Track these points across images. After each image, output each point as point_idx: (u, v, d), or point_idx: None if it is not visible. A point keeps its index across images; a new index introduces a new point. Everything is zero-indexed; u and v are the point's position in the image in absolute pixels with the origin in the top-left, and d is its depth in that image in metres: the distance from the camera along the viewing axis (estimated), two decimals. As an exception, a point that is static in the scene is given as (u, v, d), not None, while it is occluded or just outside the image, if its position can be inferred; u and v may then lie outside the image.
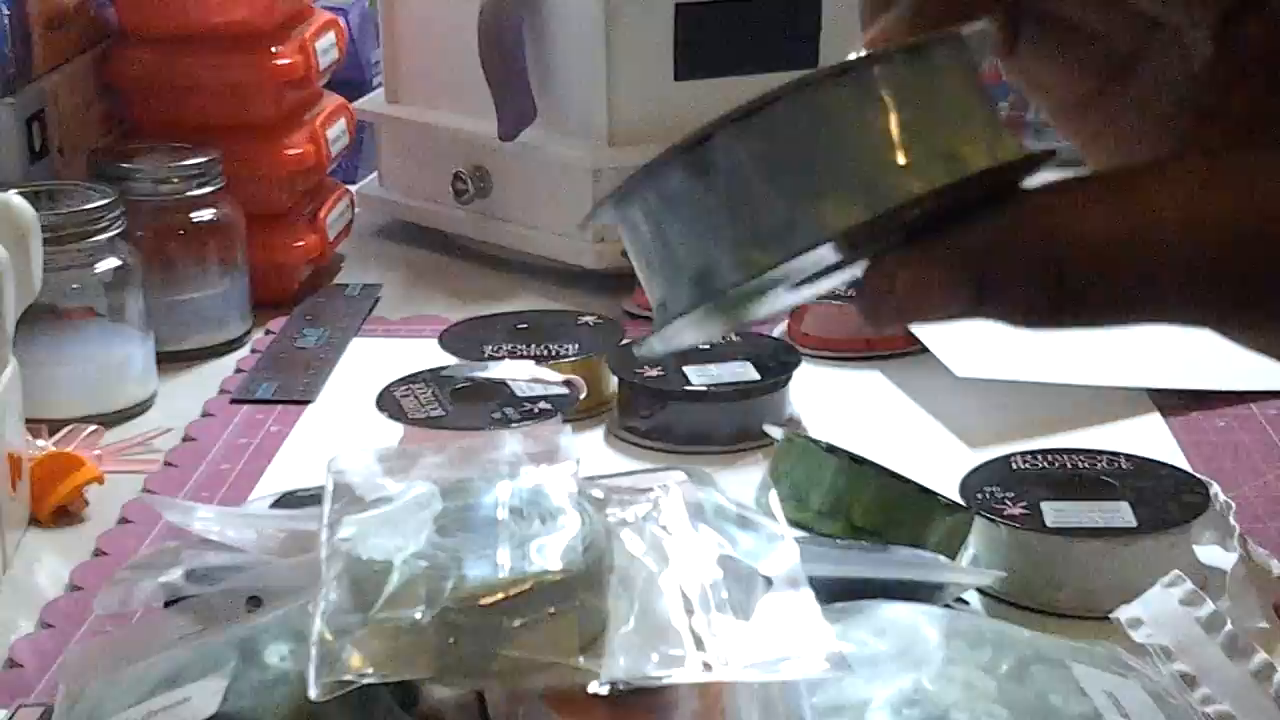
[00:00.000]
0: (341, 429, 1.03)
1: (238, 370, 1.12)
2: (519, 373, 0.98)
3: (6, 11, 1.10)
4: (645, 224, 0.43)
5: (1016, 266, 0.42)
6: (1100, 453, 0.88)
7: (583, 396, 0.97)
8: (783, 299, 0.47)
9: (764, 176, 0.41)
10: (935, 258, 0.42)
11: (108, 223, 1.04)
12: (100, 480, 0.94)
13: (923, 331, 1.07)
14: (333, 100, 1.30)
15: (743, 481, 0.84)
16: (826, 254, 0.42)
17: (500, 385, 0.97)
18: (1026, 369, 1.03)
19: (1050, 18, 0.47)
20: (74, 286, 1.04)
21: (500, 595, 0.60)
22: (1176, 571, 0.72)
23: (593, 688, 0.59)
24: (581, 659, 0.60)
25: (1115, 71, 0.47)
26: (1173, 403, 1.03)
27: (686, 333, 0.44)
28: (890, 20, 0.45)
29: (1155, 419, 1.02)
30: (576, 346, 1.04)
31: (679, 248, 0.42)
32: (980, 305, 0.43)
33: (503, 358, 1.03)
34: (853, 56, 0.42)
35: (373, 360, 1.12)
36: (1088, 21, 0.47)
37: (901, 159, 0.41)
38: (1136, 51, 0.47)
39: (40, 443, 0.96)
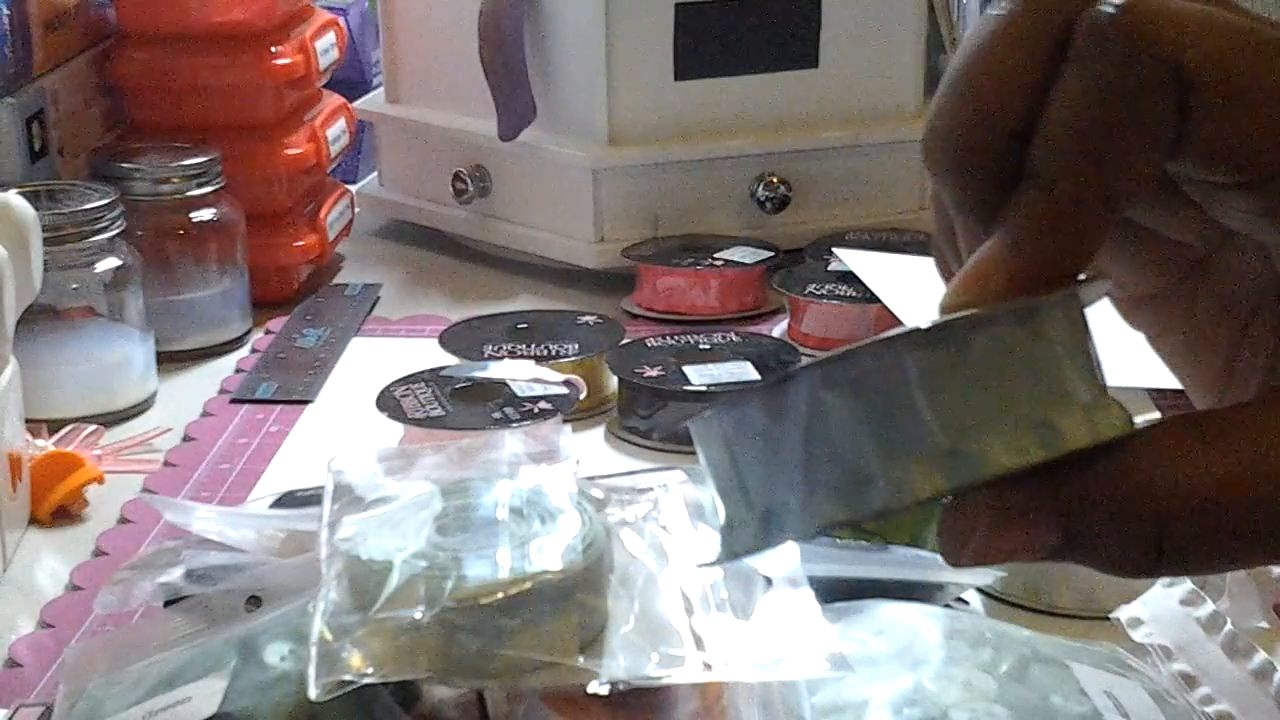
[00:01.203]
0: (341, 429, 1.03)
1: (238, 370, 1.12)
2: (519, 373, 0.98)
3: (6, 11, 1.10)
4: (721, 450, 0.41)
5: (1112, 522, 0.39)
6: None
7: (583, 396, 0.97)
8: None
9: (843, 430, 0.39)
10: (1022, 507, 0.40)
11: (108, 223, 1.04)
12: (100, 480, 0.94)
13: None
14: (333, 100, 1.30)
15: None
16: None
17: (500, 385, 0.97)
18: None
19: (1123, 221, 0.43)
20: (74, 286, 1.04)
21: (500, 595, 0.60)
22: (1176, 571, 0.72)
23: (593, 688, 0.59)
24: (581, 659, 0.60)
25: (1189, 270, 0.45)
26: (1173, 403, 1.03)
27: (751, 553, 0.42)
28: (988, 259, 0.41)
29: (1154, 416, 1.02)
30: (576, 346, 1.04)
31: (750, 483, 0.41)
32: (1069, 553, 0.40)
33: (503, 358, 1.03)
34: (955, 316, 0.39)
35: (373, 360, 1.12)
36: (1164, 226, 0.45)
37: (993, 430, 0.39)
38: (1212, 253, 0.45)
39: (40, 443, 0.96)
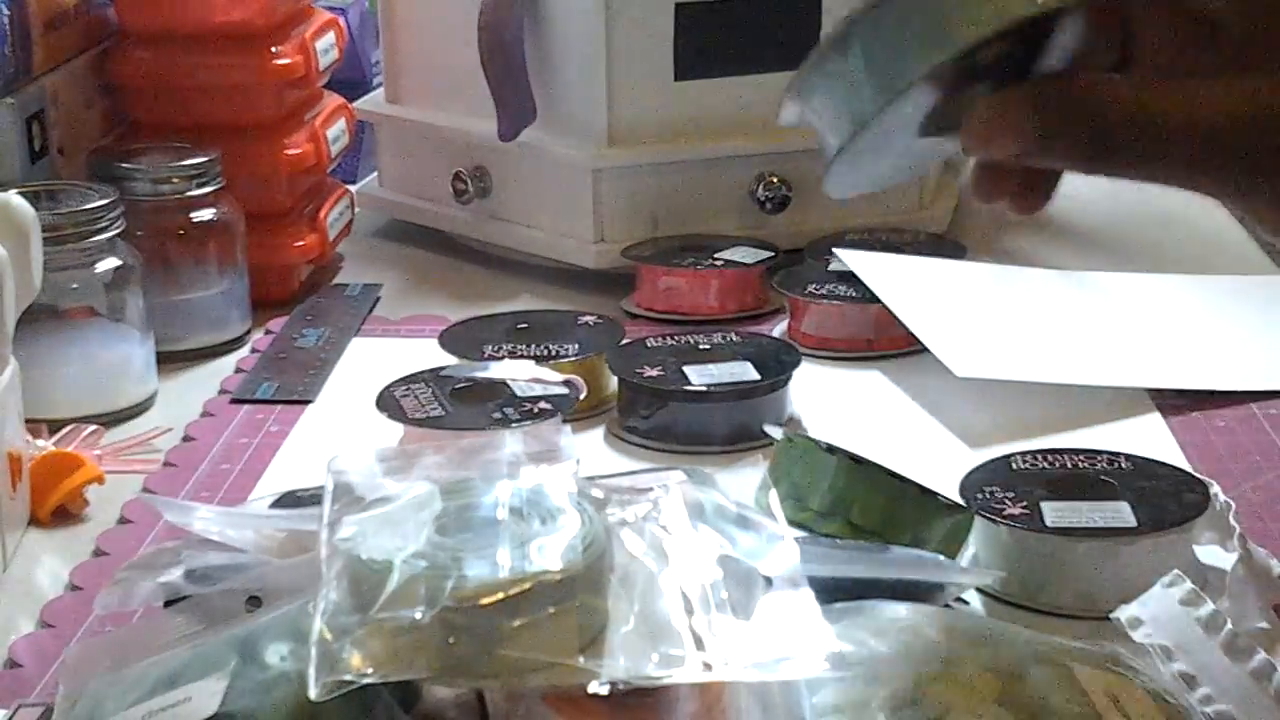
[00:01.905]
0: (341, 429, 1.03)
1: (238, 370, 1.12)
2: (519, 373, 0.98)
3: (6, 11, 1.10)
4: (820, 90, 0.63)
5: (1068, 113, 0.61)
6: (1100, 453, 0.88)
7: (583, 396, 0.97)
8: (912, 147, 0.66)
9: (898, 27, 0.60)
10: (1011, 97, 0.61)
11: (108, 223, 1.04)
12: (100, 480, 0.94)
13: (922, 331, 1.07)
14: (333, 100, 1.30)
15: (743, 481, 0.84)
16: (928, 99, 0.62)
17: (500, 385, 0.97)
18: (1026, 369, 1.03)
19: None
20: (74, 286, 1.04)
21: (500, 595, 0.60)
22: (1176, 571, 0.72)
23: (593, 688, 0.59)
24: (581, 659, 0.60)
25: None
26: (1173, 403, 1.03)
27: (850, 174, 0.65)
28: None
29: (1155, 419, 1.02)
30: (576, 346, 1.04)
31: (842, 98, 0.62)
32: (1039, 142, 0.61)
33: (503, 358, 1.03)
34: None
35: (373, 360, 1.12)
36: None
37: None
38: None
39: (40, 443, 0.96)
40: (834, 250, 1.18)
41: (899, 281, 1.12)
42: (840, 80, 0.61)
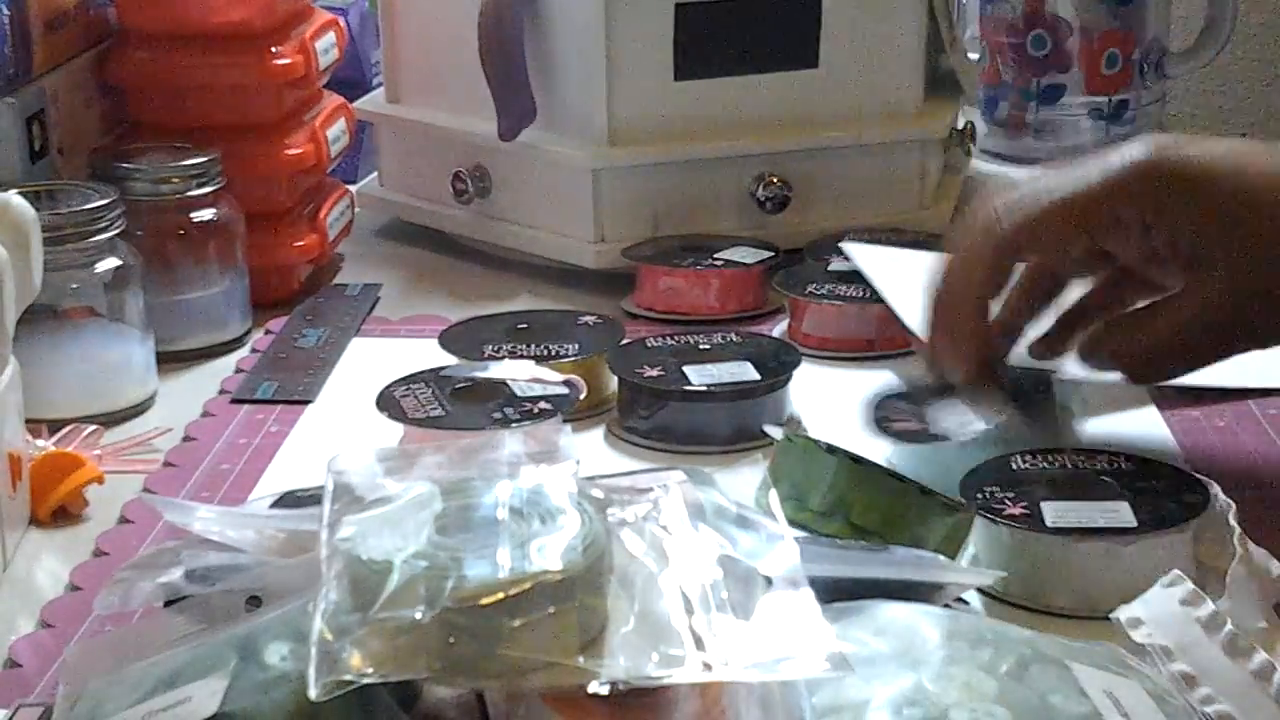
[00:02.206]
0: (341, 429, 1.03)
1: (238, 370, 1.12)
2: (519, 373, 0.98)
3: (6, 11, 1.10)
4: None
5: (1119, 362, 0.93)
6: (1100, 453, 0.88)
7: (583, 396, 0.97)
8: None
9: None
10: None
11: (108, 223, 1.04)
12: (100, 480, 0.94)
13: (917, 326, 1.07)
14: (333, 100, 1.30)
15: (743, 481, 0.84)
16: None
17: (500, 385, 0.97)
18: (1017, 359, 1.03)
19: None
20: (74, 286, 1.04)
21: (500, 595, 0.60)
22: (1176, 571, 0.72)
23: (593, 688, 0.59)
24: (581, 659, 0.60)
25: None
26: (1169, 396, 1.03)
27: None
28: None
29: (1155, 419, 1.02)
30: (576, 346, 1.04)
31: None
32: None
33: (503, 358, 1.03)
34: None
35: (373, 360, 1.12)
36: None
37: None
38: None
39: (40, 443, 0.96)
40: (839, 244, 1.18)
41: (898, 275, 1.12)
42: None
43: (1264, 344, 0.90)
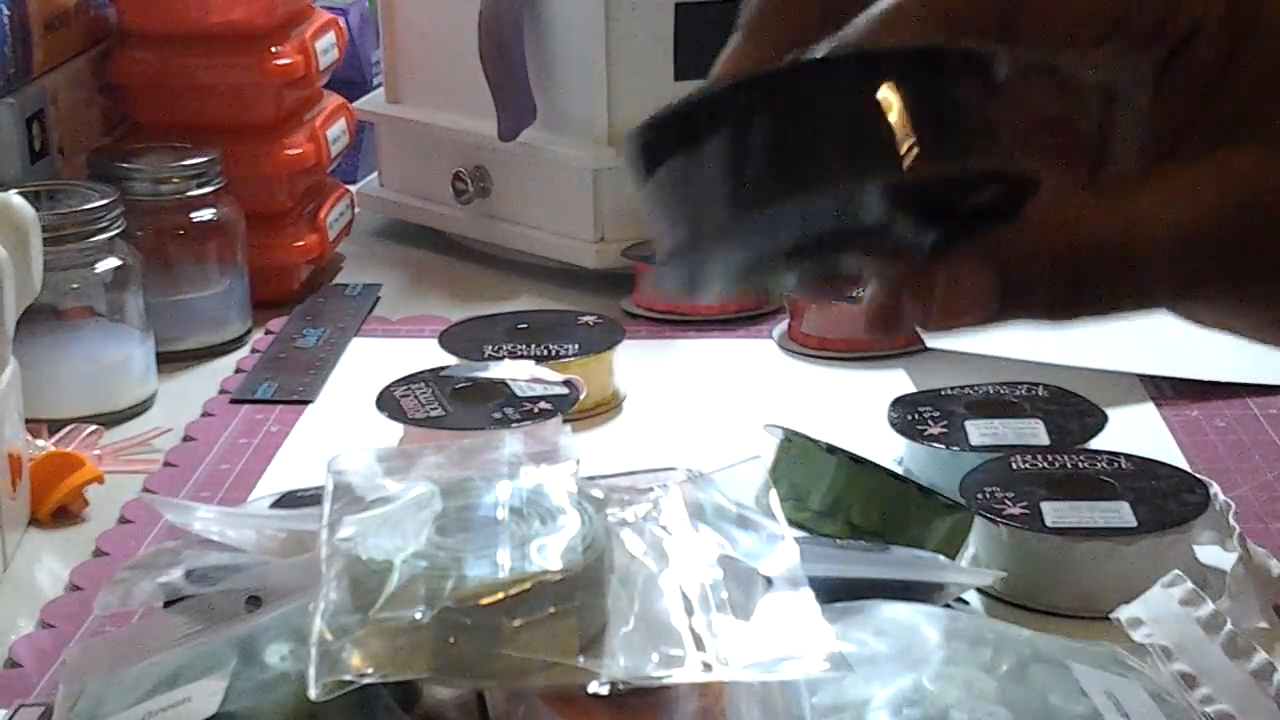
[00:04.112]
0: (341, 429, 1.03)
1: (238, 370, 1.12)
2: (519, 373, 0.98)
3: (6, 11, 1.10)
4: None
5: (1039, 270, 0.48)
6: (1100, 453, 0.88)
7: (583, 396, 0.97)
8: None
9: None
10: (962, 267, 0.48)
11: (108, 223, 1.04)
12: (100, 480, 0.94)
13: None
14: (333, 100, 1.30)
15: (743, 481, 0.84)
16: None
17: (500, 385, 0.97)
18: (1005, 345, 1.03)
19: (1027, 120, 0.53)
20: (74, 286, 1.04)
21: (500, 595, 0.60)
22: (1176, 571, 0.72)
23: (593, 688, 0.59)
24: (581, 659, 0.60)
25: (1098, 154, 0.54)
26: (1172, 401, 1.03)
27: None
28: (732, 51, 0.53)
29: (1155, 419, 1.02)
30: (576, 346, 1.04)
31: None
32: (1006, 305, 0.49)
33: (503, 358, 1.03)
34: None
35: (373, 360, 1.12)
36: (1049, 108, 0.53)
37: None
38: (1106, 128, 0.53)
39: (40, 443, 0.96)
40: None
41: None
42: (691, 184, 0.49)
43: (1243, 287, 0.52)
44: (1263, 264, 0.49)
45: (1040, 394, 0.96)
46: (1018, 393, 0.96)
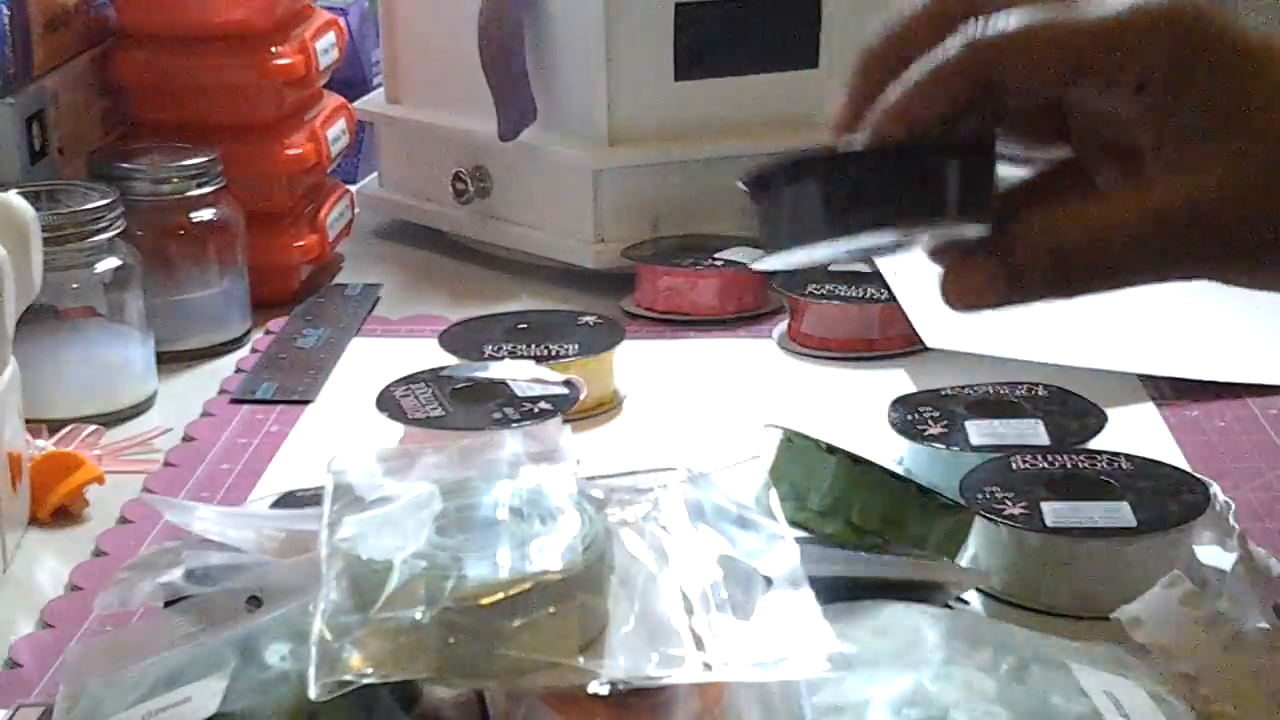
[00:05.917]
0: (341, 429, 1.03)
1: (238, 370, 1.12)
2: (519, 373, 0.98)
3: (6, 11, 1.10)
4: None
5: (1032, 261, 0.67)
6: (1100, 452, 0.88)
7: (583, 396, 0.97)
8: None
9: None
10: (970, 262, 0.69)
11: (108, 223, 1.04)
12: (100, 480, 0.94)
13: (904, 295, 1.07)
14: (333, 100, 1.30)
15: (743, 481, 0.83)
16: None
17: (500, 385, 0.97)
18: (1005, 345, 1.03)
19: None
20: (74, 286, 1.04)
21: (500, 595, 0.60)
22: (1176, 571, 0.72)
23: (593, 688, 0.59)
24: (581, 659, 0.60)
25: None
26: (1170, 396, 1.03)
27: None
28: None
29: (1155, 419, 1.02)
30: (576, 346, 1.04)
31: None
32: (1013, 294, 0.68)
33: (503, 358, 1.03)
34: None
35: (373, 360, 1.12)
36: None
37: None
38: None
39: (40, 443, 0.96)
40: None
41: (908, 271, 1.12)
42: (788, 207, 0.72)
43: (1219, 269, 0.70)
44: (1228, 246, 0.67)
45: (1040, 394, 0.96)
46: (1018, 393, 0.96)
